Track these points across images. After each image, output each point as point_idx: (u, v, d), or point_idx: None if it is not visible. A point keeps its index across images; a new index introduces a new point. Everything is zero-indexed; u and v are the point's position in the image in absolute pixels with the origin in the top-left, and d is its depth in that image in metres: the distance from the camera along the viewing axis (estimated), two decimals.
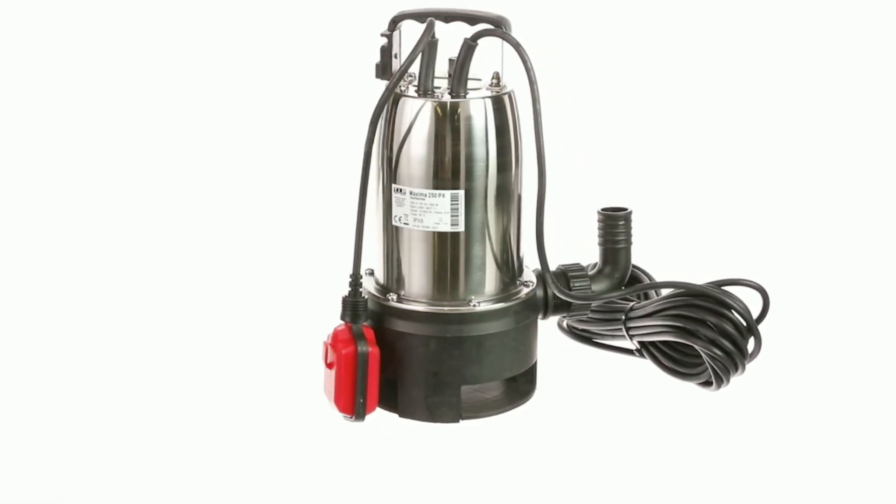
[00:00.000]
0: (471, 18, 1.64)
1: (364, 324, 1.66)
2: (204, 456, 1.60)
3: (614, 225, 1.77)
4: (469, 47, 1.63)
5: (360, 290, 1.66)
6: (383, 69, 1.66)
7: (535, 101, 1.62)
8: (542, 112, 1.62)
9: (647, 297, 1.82)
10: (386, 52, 1.65)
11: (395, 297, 1.67)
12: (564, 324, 1.89)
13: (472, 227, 1.65)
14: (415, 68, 1.64)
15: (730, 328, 1.70)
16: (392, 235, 1.67)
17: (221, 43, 2.26)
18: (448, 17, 1.64)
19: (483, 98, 1.64)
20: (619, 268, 1.77)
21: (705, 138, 2.34)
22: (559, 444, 1.66)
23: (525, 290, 1.71)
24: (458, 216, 1.63)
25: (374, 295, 1.68)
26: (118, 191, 2.21)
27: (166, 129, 2.25)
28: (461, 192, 1.63)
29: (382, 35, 1.65)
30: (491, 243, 1.67)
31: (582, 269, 1.76)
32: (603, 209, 1.77)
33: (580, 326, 1.87)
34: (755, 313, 1.76)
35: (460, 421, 1.69)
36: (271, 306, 1.95)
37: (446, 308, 1.66)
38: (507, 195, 1.67)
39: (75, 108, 2.25)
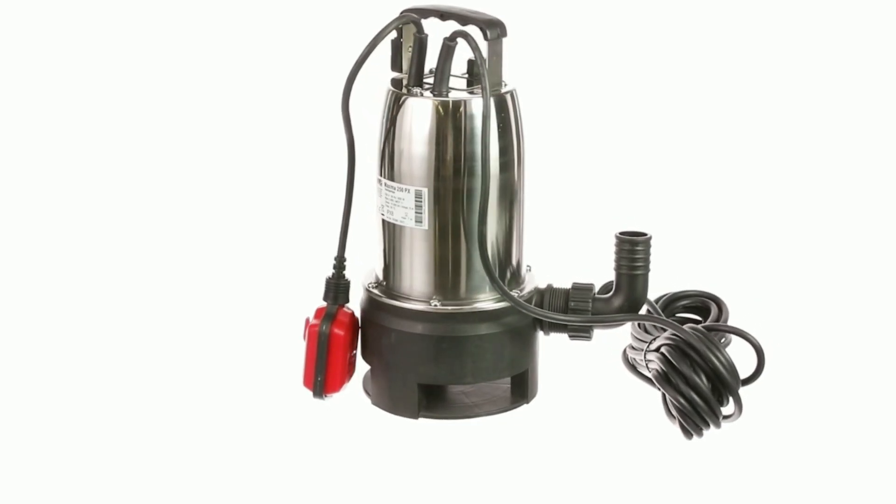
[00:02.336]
0: (463, 18, 1.63)
1: (344, 306, 1.70)
2: (180, 438, 1.66)
3: (633, 250, 1.69)
4: (448, 48, 1.63)
5: (344, 272, 1.71)
6: (394, 61, 1.69)
7: (486, 106, 1.60)
8: (492, 120, 1.61)
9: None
10: (396, 45, 1.68)
11: (375, 285, 1.71)
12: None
13: (438, 225, 1.64)
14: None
15: (701, 384, 1.58)
16: (378, 225, 1.70)
17: (223, 38, 2.29)
18: (444, 15, 1.65)
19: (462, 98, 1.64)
20: (633, 294, 1.69)
21: (714, 149, 2.29)
22: (528, 455, 1.64)
23: None
24: (422, 213, 1.64)
25: (365, 283, 1.72)
26: (104, 181, 2.24)
27: (158, 123, 2.28)
28: (425, 190, 1.63)
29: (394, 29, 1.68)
30: (464, 245, 1.65)
31: (585, 290, 1.70)
32: (621, 233, 1.69)
33: (631, 355, 1.80)
34: (750, 370, 1.63)
35: (419, 418, 1.69)
36: (275, 292, 1.99)
37: (407, 304, 1.67)
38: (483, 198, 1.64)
39: (67, 108, 2.30)
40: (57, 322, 1.92)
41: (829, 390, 1.75)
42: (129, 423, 1.68)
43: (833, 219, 2.21)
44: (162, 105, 2.30)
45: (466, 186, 1.63)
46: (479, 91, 1.63)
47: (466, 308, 1.66)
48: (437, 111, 1.62)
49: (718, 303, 1.78)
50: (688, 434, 1.60)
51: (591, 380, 1.78)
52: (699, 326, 1.63)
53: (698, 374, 1.58)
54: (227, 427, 1.68)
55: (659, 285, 1.77)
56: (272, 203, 2.21)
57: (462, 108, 1.62)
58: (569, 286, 1.71)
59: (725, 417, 1.60)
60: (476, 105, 1.62)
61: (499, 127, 1.64)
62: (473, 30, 1.63)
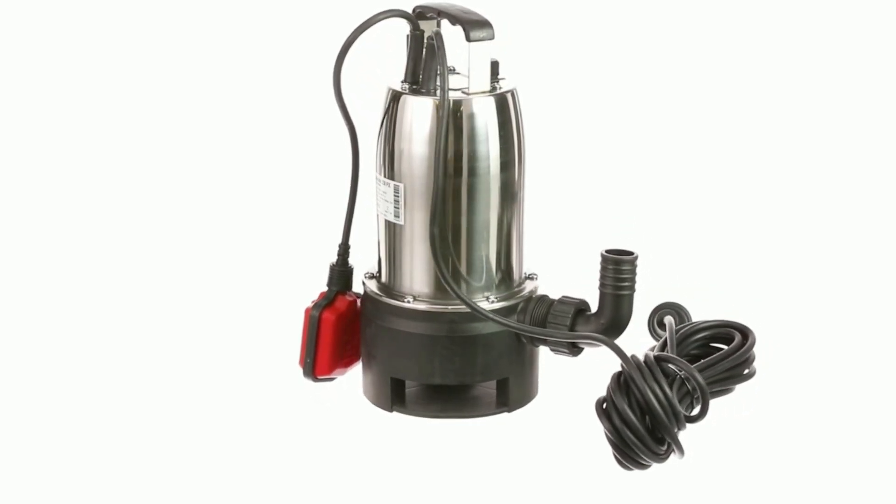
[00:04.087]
0: (453, 18, 1.63)
1: (345, 293, 1.75)
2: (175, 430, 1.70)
3: (618, 269, 1.64)
4: (431, 46, 1.64)
5: (347, 260, 1.75)
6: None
7: (442, 107, 1.60)
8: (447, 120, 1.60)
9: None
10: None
11: (369, 277, 1.74)
12: None
13: (415, 222, 1.65)
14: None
15: (633, 418, 1.52)
16: (375, 218, 1.74)
17: (223, 36, 2.25)
18: (440, 13, 1.65)
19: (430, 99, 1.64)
20: (616, 315, 1.64)
21: (727, 148, 2.23)
22: (485, 463, 1.63)
23: (484, 303, 1.66)
24: (399, 208, 1.66)
25: (364, 274, 1.76)
26: (105, 181, 2.23)
27: (158, 120, 2.26)
28: (402, 185, 1.65)
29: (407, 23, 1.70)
30: (441, 244, 1.64)
31: (569, 304, 1.67)
32: (607, 251, 1.65)
33: None
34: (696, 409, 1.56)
35: (392, 412, 1.72)
36: (286, 279, 1.99)
37: (388, 299, 1.69)
38: (466, 197, 1.64)
39: (65, 108, 2.28)
40: (58, 312, 1.96)
41: (845, 400, 1.70)
42: (122, 402, 1.75)
43: (859, 227, 2.12)
44: (166, 94, 2.32)
45: (457, 186, 1.63)
46: (474, 91, 1.61)
47: (439, 308, 1.65)
48: (426, 109, 1.62)
49: (744, 332, 1.67)
50: (624, 466, 1.54)
51: (590, 394, 1.71)
52: (651, 355, 1.55)
53: (633, 408, 1.51)
54: (215, 407, 1.73)
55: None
56: (287, 194, 2.23)
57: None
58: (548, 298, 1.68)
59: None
60: (469, 105, 1.62)
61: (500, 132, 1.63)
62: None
